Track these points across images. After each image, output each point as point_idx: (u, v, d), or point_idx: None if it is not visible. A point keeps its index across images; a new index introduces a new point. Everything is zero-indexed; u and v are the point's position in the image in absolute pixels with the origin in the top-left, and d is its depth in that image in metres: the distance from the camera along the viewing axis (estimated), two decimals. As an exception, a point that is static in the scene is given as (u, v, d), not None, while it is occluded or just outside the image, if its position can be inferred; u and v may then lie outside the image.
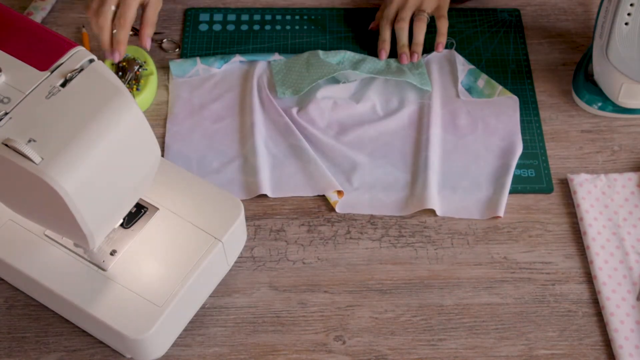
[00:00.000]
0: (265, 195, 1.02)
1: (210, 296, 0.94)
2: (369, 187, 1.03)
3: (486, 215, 1.01)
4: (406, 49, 1.12)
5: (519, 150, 1.06)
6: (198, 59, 1.12)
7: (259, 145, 1.05)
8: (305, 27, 1.19)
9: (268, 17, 1.20)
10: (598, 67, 1.07)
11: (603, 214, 1.00)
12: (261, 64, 1.12)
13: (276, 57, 1.13)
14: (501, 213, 1.00)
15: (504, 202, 1.01)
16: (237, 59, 1.13)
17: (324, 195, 1.02)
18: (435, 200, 1.01)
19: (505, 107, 1.10)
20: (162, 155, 1.02)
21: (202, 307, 0.93)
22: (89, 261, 0.86)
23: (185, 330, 0.91)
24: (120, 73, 1.09)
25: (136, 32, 1.18)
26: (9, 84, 0.72)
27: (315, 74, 1.09)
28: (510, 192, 1.03)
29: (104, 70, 0.75)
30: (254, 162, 1.03)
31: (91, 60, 0.75)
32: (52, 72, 0.73)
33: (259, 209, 1.01)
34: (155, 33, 1.18)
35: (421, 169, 1.03)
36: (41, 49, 0.75)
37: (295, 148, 1.05)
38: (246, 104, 1.09)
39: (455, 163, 1.05)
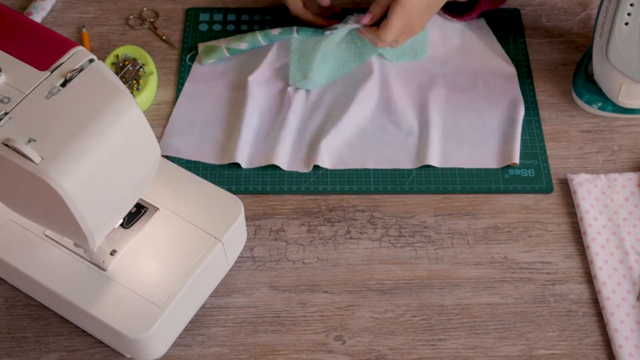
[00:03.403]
0: (265, 195, 1.02)
1: (210, 296, 0.94)
2: (372, 143, 1.06)
3: (499, 163, 1.04)
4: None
5: (520, 102, 1.10)
6: (225, 50, 1.13)
7: (249, 116, 1.07)
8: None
9: (268, 17, 1.20)
10: (598, 67, 1.07)
11: (603, 213, 1.00)
12: (274, 51, 1.13)
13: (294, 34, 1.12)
14: (516, 160, 1.04)
15: (517, 150, 1.05)
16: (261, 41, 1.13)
17: (324, 195, 1.02)
18: (438, 153, 1.04)
19: (501, 66, 1.14)
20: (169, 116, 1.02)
21: (202, 307, 0.93)
22: (89, 261, 0.86)
23: (185, 330, 0.91)
24: (120, 73, 1.09)
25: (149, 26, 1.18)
26: (9, 84, 0.72)
27: (326, 67, 1.11)
28: (510, 192, 1.03)
29: (104, 70, 0.75)
30: (239, 128, 1.06)
31: (91, 60, 0.75)
32: (52, 72, 0.73)
33: (259, 209, 1.01)
34: (155, 33, 1.18)
35: (424, 126, 1.07)
36: (41, 49, 0.75)
37: (287, 122, 1.07)
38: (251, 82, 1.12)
39: (460, 119, 1.09)
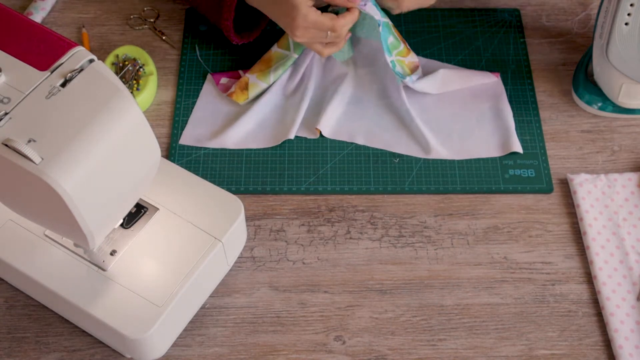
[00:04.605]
0: (265, 195, 1.02)
1: (210, 296, 0.94)
2: (366, 122, 1.08)
3: (492, 153, 1.06)
4: None
5: (502, 91, 1.11)
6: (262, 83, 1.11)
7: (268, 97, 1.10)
8: (305, 27, 1.19)
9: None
10: (598, 67, 1.07)
11: (603, 214, 1.00)
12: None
13: None
14: (517, 148, 1.05)
15: (514, 139, 1.06)
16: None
17: (324, 195, 1.02)
18: (428, 145, 1.05)
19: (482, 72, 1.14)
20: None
21: (202, 307, 0.93)
22: (89, 261, 0.86)
23: (185, 330, 0.91)
24: (120, 73, 1.09)
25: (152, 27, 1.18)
26: (9, 84, 0.72)
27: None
28: (510, 192, 1.03)
29: (104, 70, 0.75)
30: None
31: (91, 60, 0.75)
32: (52, 72, 0.73)
33: (259, 209, 1.01)
34: (155, 33, 1.18)
35: (415, 116, 1.08)
36: (41, 49, 0.75)
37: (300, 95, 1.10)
38: None
39: (443, 111, 1.10)
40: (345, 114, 1.09)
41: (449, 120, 1.09)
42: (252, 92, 1.10)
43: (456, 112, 1.10)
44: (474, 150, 1.06)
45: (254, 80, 1.10)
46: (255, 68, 1.11)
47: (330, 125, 1.08)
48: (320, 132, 1.07)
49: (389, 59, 1.06)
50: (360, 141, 1.07)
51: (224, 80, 1.12)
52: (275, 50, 1.11)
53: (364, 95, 1.11)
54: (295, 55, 1.10)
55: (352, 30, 1.07)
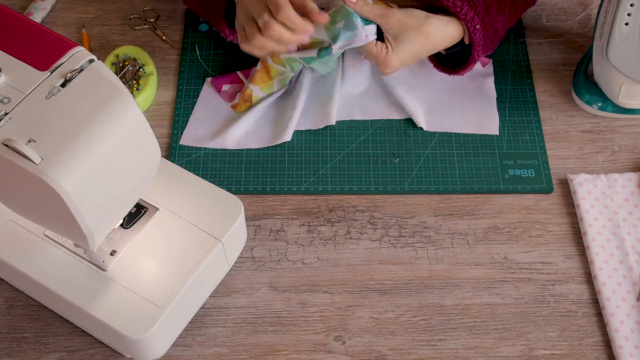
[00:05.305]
0: (265, 195, 1.02)
1: (210, 296, 0.94)
2: (358, 96, 1.11)
3: (470, 130, 1.08)
4: None
5: (490, 73, 1.13)
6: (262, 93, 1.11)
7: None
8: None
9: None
10: (598, 67, 1.07)
11: (603, 214, 1.00)
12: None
13: None
14: (494, 131, 1.08)
15: (494, 121, 1.08)
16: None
17: (324, 195, 1.02)
18: (419, 114, 1.08)
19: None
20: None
21: (202, 307, 0.93)
22: (89, 261, 0.86)
23: (185, 330, 0.91)
24: (120, 73, 1.09)
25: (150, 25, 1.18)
26: (9, 84, 0.72)
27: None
28: (510, 192, 1.03)
29: (104, 70, 0.75)
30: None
31: (91, 60, 0.75)
32: (52, 72, 0.73)
33: (259, 209, 1.01)
34: (155, 33, 1.18)
35: (393, 87, 1.10)
36: (41, 49, 0.75)
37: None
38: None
39: (428, 82, 1.12)
40: (337, 96, 1.10)
41: (432, 92, 1.11)
42: (255, 102, 1.10)
43: (442, 86, 1.11)
44: (447, 124, 1.08)
45: (257, 93, 1.09)
46: (258, 79, 1.09)
47: (327, 111, 1.09)
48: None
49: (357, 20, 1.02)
50: (358, 116, 1.09)
51: (225, 87, 1.12)
52: (270, 63, 1.09)
53: (351, 70, 1.12)
54: (292, 74, 1.09)
55: (314, 66, 1.07)
